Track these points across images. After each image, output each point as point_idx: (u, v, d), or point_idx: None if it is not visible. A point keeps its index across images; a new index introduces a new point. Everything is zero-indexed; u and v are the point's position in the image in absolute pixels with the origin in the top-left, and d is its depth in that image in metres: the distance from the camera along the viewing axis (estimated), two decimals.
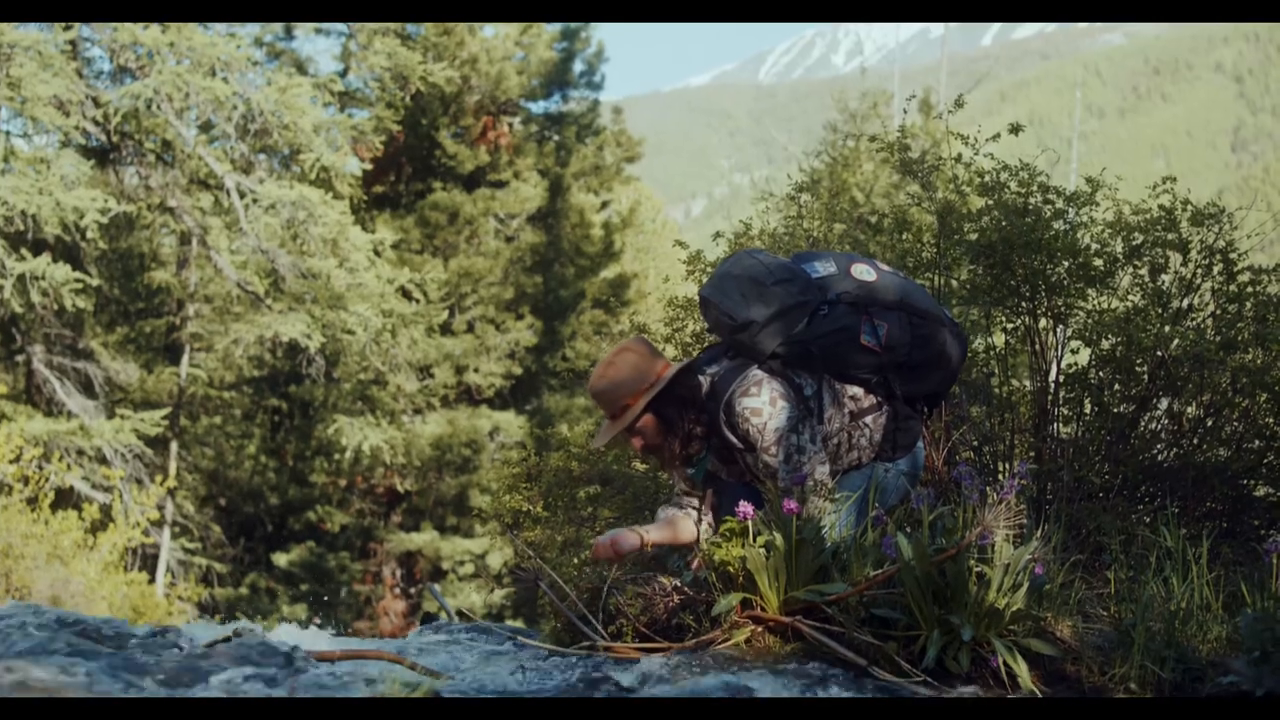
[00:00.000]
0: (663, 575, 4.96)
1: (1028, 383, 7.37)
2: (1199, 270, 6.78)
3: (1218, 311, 6.78)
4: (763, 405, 4.87)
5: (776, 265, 5.09)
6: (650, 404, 5.03)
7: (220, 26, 21.17)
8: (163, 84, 19.98)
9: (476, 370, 28.92)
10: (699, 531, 5.28)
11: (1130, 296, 6.93)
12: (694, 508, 5.39)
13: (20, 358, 24.39)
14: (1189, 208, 6.76)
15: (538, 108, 32.71)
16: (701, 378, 5.10)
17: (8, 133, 21.28)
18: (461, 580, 28.07)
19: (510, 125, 31.42)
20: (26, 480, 15.59)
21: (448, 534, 28.73)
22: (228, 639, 3.91)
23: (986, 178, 7.08)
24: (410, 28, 26.96)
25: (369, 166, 27.04)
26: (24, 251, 19.58)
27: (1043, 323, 6.95)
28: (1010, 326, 7.14)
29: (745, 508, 4.26)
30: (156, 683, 3.26)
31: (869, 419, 5.05)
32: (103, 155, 23.23)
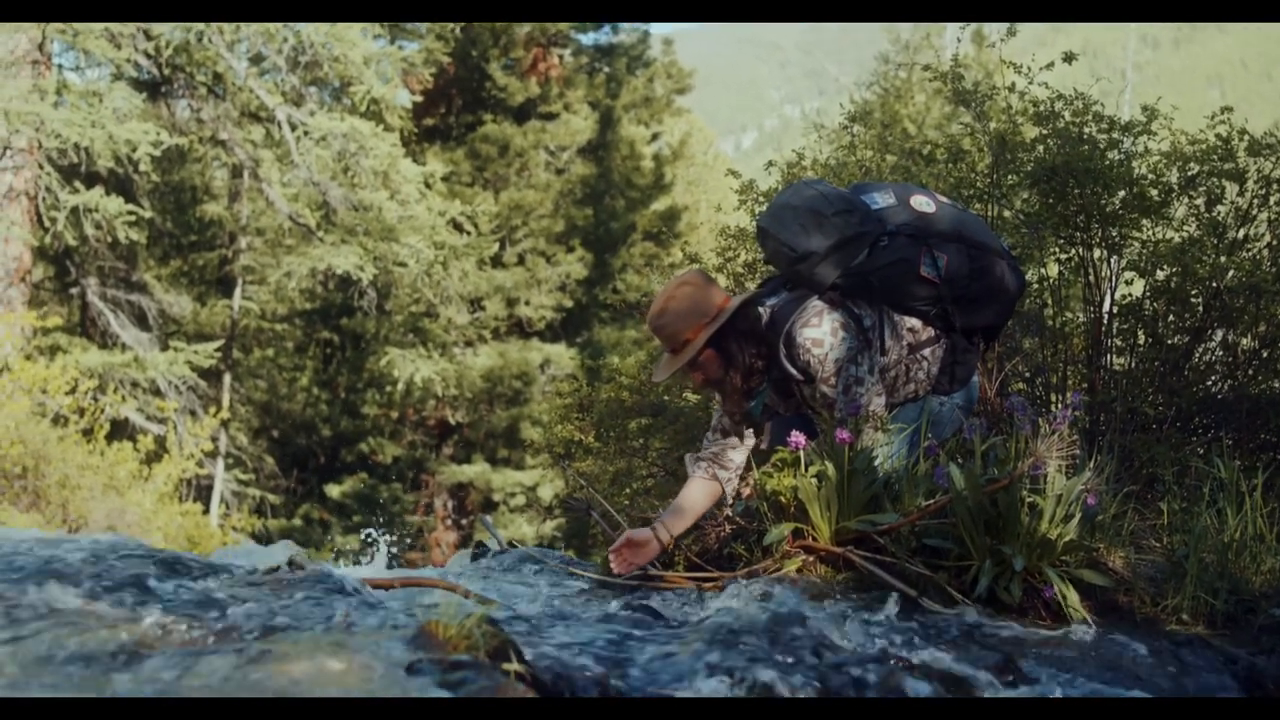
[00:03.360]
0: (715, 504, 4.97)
1: (1081, 314, 7.33)
2: (1256, 200, 6.72)
3: (1274, 242, 6.73)
4: (824, 336, 4.83)
5: (836, 196, 5.03)
6: (712, 338, 5.00)
7: None
8: None
9: (527, 303, 28.97)
10: (726, 489, 5.20)
11: (1186, 227, 6.88)
12: (727, 450, 5.31)
13: (75, 291, 24.56)
14: (1246, 137, 6.68)
15: (588, 39, 32.63)
16: (761, 309, 5.05)
17: (60, 66, 21.38)
18: (512, 512, 28.22)
19: (560, 57, 31.33)
20: (82, 412, 15.76)
21: (499, 466, 28.87)
22: (283, 566, 3.95)
23: (1041, 107, 7.03)
24: None
25: (419, 99, 27.05)
26: (77, 184, 19.70)
27: (1097, 253, 6.90)
28: (1064, 258, 7.09)
29: (797, 437, 4.24)
30: (214, 606, 3.30)
31: (926, 351, 5.01)
32: (154, 88, 23.29)
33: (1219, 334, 6.73)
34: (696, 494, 5.15)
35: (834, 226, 4.90)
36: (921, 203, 5.07)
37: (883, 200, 5.09)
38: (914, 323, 5.01)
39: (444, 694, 2.35)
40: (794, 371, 4.91)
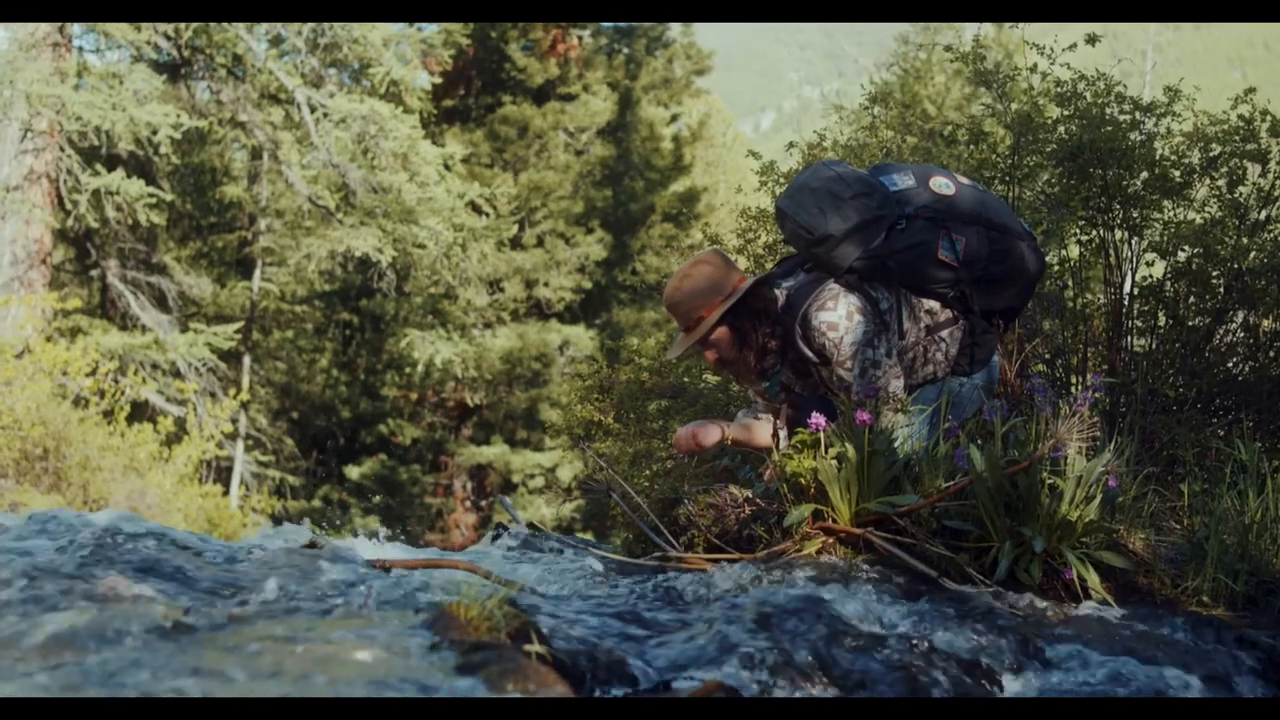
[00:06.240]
0: (734, 486, 4.97)
1: (1101, 296, 7.31)
2: (1278, 182, 6.68)
3: None
4: (839, 319, 4.83)
5: (855, 178, 5.01)
6: (724, 316, 5.00)
7: None
8: None
9: (546, 284, 28.99)
10: (777, 440, 5.25)
11: (1207, 208, 6.85)
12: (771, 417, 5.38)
13: (95, 272, 24.64)
14: (1268, 118, 6.66)
15: (606, 21, 32.55)
16: (777, 291, 5.04)
17: (80, 48, 21.40)
18: (531, 493, 28.27)
19: (580, 38, 31.29)
20: (103, 394, 15.80)
21: (518, 447, 28.92)
22: (309, 546, 3.96)
23: (1063, 88, 7.01)
24: None
25: (439, 80, 27.03)
26: (98, 166, 19.72)
27: (1118, 234, 6.88)
28: (1085, 239, 7.07)
29: (817, 419, 4.24)
30: (228, 592, 3.31)
31: (945, 333, 5.00)
32: (174, 70, 23.30)
33: (1240, 315, 6.71)
34: (752, 422, 5.37)
35: (852, 209, 4.89)
36: (941, 184, 5.06)
37: (902, 182, 5.08)
38: (932, 304, 5.01)
39: (465, 677, 2.36)
40: (810, 354, 4.91)
